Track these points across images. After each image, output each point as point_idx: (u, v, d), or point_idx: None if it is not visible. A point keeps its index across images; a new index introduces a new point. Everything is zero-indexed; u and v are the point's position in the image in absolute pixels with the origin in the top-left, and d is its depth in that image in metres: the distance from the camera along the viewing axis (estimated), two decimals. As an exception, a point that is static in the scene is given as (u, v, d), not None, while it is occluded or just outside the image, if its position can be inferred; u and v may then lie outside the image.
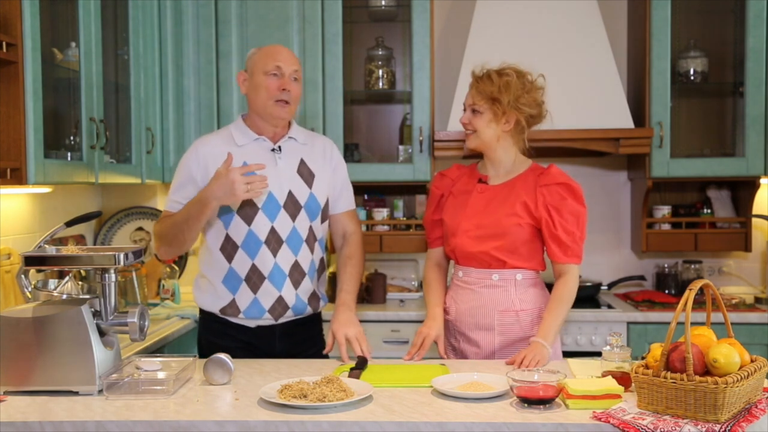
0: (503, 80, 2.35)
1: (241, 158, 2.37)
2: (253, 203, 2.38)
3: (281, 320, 2.45)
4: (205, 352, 2.44)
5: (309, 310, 2.51)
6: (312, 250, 2.49)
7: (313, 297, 2.51)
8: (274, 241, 2.40)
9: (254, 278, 2.40)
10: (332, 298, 3.45)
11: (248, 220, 2.38)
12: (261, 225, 2.39)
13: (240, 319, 2.44)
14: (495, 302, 2.41)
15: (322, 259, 2.56)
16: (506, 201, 2.41)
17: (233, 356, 2.31)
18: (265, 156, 2.43)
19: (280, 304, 2.43)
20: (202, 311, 2.52)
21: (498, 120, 2.38)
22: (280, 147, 2.46)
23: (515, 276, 2.41)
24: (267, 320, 2.44)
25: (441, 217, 2.53)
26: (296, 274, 2.44)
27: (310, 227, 2.48)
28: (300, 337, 2.52)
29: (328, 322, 2.53)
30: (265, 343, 2.47)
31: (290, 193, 2.42)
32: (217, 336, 2.46)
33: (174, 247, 2.41)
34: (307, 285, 2.48)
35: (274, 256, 2.40)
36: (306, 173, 2.48)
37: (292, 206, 2.43)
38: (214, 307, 2.45)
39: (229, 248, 2.41)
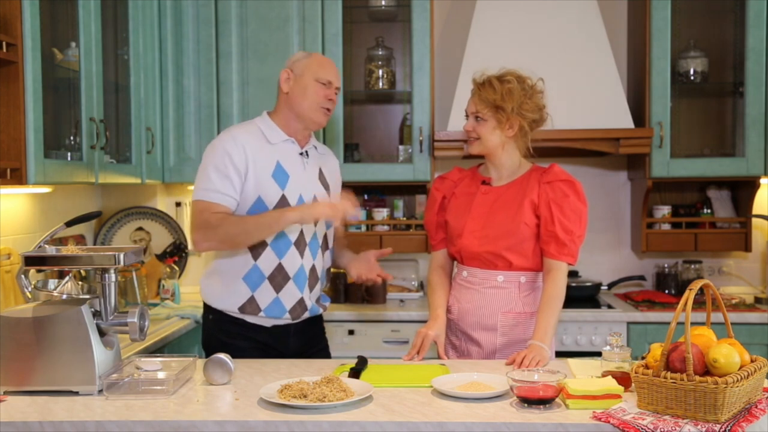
0: (505, 87, 2.35)
1: (273, 156, 2.41)
2: (289, 204, 2.38)
3: (297, 320, 2.48)
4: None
5: (320, 311, 2.57)
6: (323, 257, 2.53)
7: (319, 300, 2.57)
8: (301, 244, 2.43)
9: (279, 278, 2.41)
10: (334, 299, 3.52)
11: None
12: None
13: (258, 318, 2.44)
14: (498, 303, 2.41)
15: (329, 268, 2.62)
16: (511, 201, 2.41)
17: (247, 357, 2.34)
18: (295, 158, 2.46)
19: (300, 306, 2.45)
20: (214, 310, 2.48)
21: (502, 127, 2.39)
22: (307, 152, 2.50)
23: (519, 278, 2.42)
24: (285, 320, 2.46)
25: (444, 219, 2.53)
26: (313, 277, 2.48)
27: (325, 234, 2.52)
28: (310, 334, 2.56)
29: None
30: (280, 342, 2.48)
31: (315, 199, 2.45)
32: (230, 337, 2.44)
33: (229, 248, 2.39)
34: (318, 290, 2.53)
35: (301, 258, 2.43)
36: (324, 182, 2.53)
37: None
38: (232, 306, 2.43)
39: (257, 245, 2.40)
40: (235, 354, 2.35)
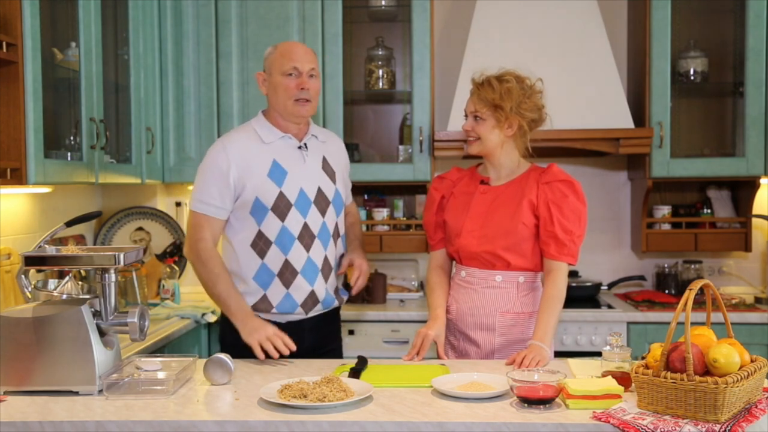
0: (504, 87, 2.36)
1: (269, 155, 2.42)
2: (288, 201, 2.40)
3: (310, 314, 2.49)
4: (230, 351, 2.35)
5: (336, 303, 2.58)
6: (336, 245, 2.55)
7: (337, 291, 2.58)
8: (306, 237, 2.44)
9: (287, 273, 2.43)
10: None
11: (282, 217, 2.41)
12: (294, 221, 2.42)
13: (272, 315, 2.46)
14: (496, 303, 2.41)
15: (342, 255, 2.62)
16: (510, 201, 2.41)
17: None
18: (293, 153, 2.47)
19: (311, 299, 2.47)
20: None
21: (501, 126, 2.39)
22: (306, 144, 2.50)
23: (518, 278, 2.41)
24: (298, 315, 2.47)
25: (443, 218, 2.53)
26: (326, 268, 2.49)
27: (336, 223, 2.54)
28: (325, 331, 2.57)
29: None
30: (294, 338, 2.46)
31: (319, 189, 2.47)
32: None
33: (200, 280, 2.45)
34: (333, 279, 2.55)
35: (307, 251, 2.44)
36: (329, 170, 2.53)
37: (322, 202, 2.47)
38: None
39: (261, 244, 2.42)
40: (250, 351, 2.36)
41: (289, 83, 2.40)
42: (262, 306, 2.44)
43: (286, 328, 2.46)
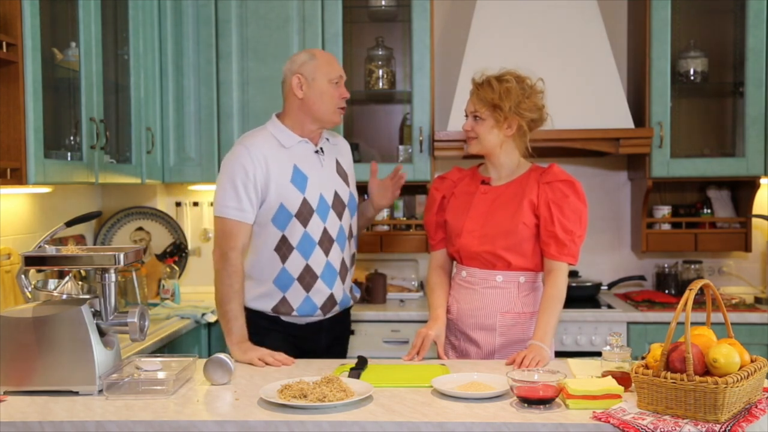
0: (503, 87, 2.36)
1: (290, 160, 2.44)
2: (311, 207, 2.42)
3: (328, 315, 2.53)
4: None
5: (351, 302, 2.62)
6: (350, 246, 2.58)
7: (351, 290, 2.62)
8: (326, 241, 2.46)
9: (307, 278, 2.45)
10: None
11: (305, 223, 2.43)
12: (315, 226, 2.44)
13: (292, 317, 2.49)
14: (497, 303, 2.41)
15: (354, 253, 2.66)
16: (510, 201, 2.42)
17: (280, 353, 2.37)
18: (311, 158, 2.49)
19: (330, 301, 2.50)
20: (248, 309, 2.47)
21: (500, 126, 2.39)
22: (322, 149, 2.53)
23: (518, 278, 2.42)
24: (317, 317, 2.51)
25: (443, 218, 2.53)
26: (343, 270, 2.53)
27: (350, 225, 2.57)
28: (340, 329, 2.63)
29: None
30: (313, 337, 2.52)
31: (336, 194, 2.50)
32: (264, 333, 2.45)
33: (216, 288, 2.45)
34: (349, 279, 2.59)
35: (326, 255, 2.47)
36: (342, 173, 2.57)
37: (339, 206, 2.50)
38: (266, 307, 2.47)
39: (284, 249, 2.44)
40: (269, 349, 2.37)
41: (335, 91, 2.45)
42: (282, 309, 2.46)
43: (305, 329, 2.51)
